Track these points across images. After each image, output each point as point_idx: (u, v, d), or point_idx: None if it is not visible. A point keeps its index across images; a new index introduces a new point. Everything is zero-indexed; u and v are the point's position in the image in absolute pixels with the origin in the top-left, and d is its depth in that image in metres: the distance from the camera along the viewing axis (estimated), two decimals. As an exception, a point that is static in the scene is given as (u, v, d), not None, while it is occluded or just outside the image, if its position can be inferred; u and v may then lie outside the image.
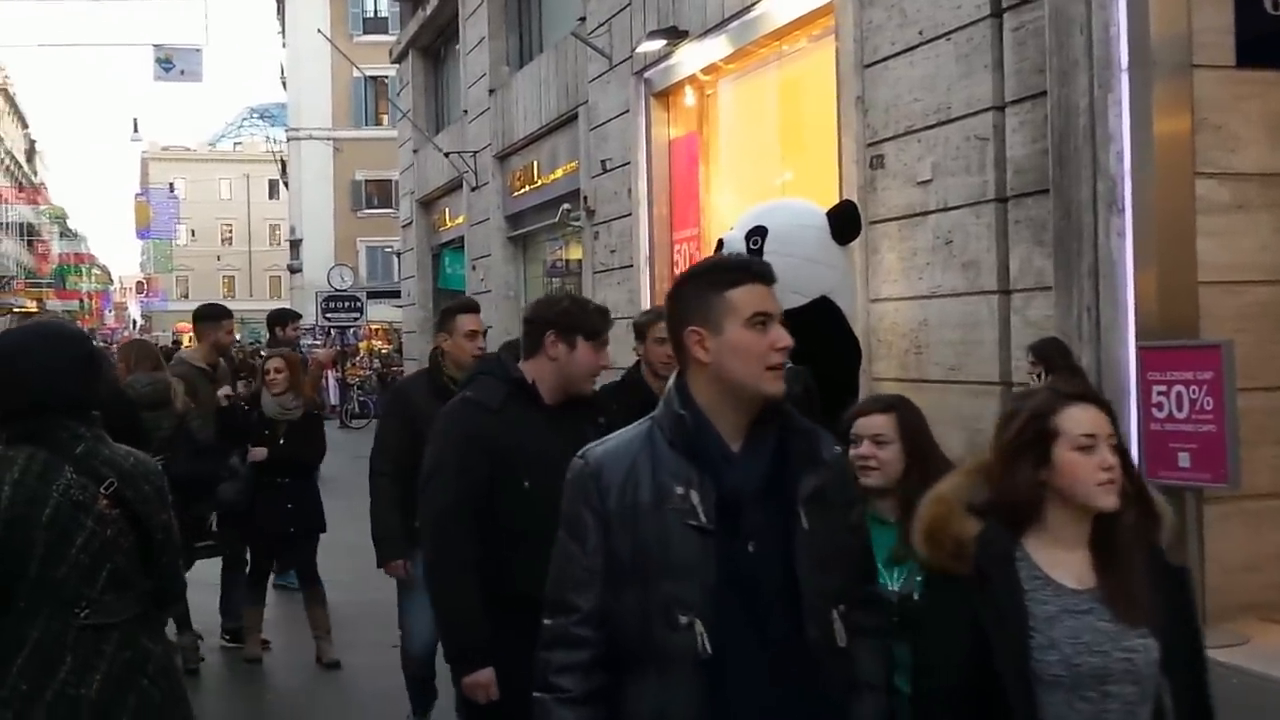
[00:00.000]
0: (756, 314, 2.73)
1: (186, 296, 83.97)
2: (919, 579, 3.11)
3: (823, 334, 8.61)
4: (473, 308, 6.43)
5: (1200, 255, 7.30)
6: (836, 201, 9.55)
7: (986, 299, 8.63)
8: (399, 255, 32.80)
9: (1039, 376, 6.48)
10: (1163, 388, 6.94)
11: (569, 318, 4.38)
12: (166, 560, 3.53)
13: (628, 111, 14.99)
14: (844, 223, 9.09)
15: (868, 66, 9.95)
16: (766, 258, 9.23)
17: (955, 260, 8.96)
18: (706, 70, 13.74)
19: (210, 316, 9.10)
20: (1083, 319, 7.50)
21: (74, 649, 3.27)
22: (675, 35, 13.38)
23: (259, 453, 8.01)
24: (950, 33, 8.94)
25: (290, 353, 9.12)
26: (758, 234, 9.18)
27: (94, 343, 4.03)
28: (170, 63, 28.01)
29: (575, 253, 18.70)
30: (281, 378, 8.11)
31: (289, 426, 8.11)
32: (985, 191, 8.61)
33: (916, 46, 9.33)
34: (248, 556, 8.72)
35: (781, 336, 2.74)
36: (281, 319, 10.80)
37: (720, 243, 9.26)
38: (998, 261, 8.51)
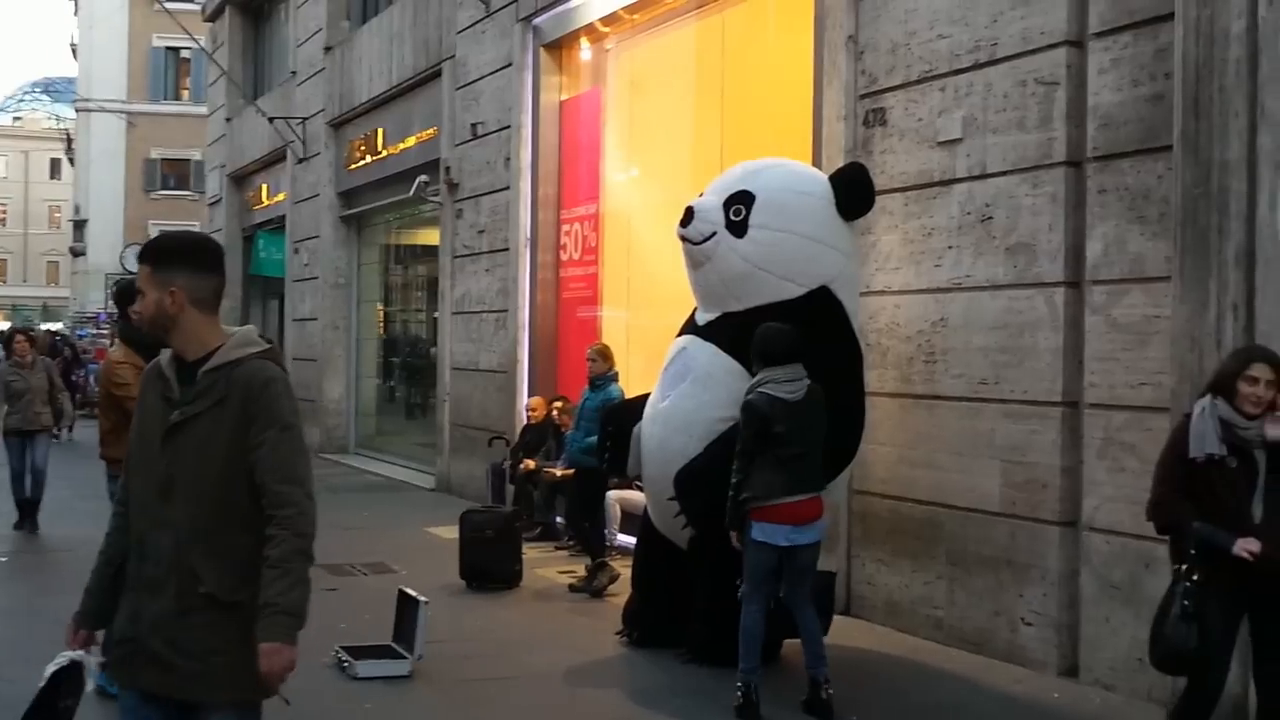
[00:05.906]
0: None
1: (-47, 279, 77.44)
2: None
3: (821, 335, 6.48)
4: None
5: (1399, 238, 5.41)
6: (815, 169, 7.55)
7: (1044, 293, 6.61)
8: (201, 239, 29.39)
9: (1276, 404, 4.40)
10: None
11: None
12: None
13: (509, 66, 12.61)
14: (852, 192, 6.97)
15: (865, -3, 7.86)
16: (752, 232, 6.83)
17: (995, 242, 6.92)
18: (608, 20, 11.48)
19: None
20: (1225, 321, 5.51)
21: None
22: (580, -30, 11.16)
23: None
24: (1000, -53, 6.92)
25: None
26: (740, 202, 6.96)
27: None
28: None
29: (427, 236, 16.15)
30: None
31: None
32: (1050, 152, 6.59)
33: (944, -33, 7.29)
34: None
35: None
36: (133, 295, 7.03)
37: (689, 211, 7.03)
38: (1066, 243, 6.51)
